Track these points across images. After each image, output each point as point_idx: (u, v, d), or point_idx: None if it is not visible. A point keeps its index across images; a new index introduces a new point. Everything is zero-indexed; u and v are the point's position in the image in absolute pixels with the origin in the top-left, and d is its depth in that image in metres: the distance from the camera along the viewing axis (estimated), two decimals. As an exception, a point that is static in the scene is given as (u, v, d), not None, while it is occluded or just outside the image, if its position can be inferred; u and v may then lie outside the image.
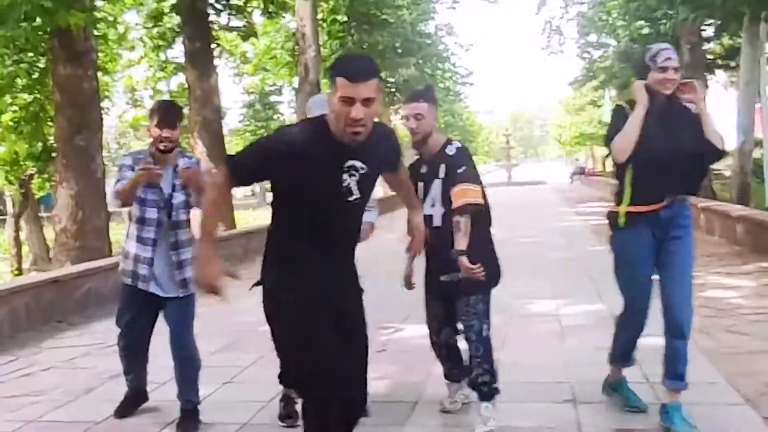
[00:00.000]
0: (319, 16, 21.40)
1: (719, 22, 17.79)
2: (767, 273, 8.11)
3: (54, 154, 13.53)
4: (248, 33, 15.07)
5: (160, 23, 15.30)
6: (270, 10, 15.22)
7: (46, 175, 14.89)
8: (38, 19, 9.59)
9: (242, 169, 2.63)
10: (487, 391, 3.65)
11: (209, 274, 2.55)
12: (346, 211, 2.67)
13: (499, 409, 3.67)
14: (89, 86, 10.47)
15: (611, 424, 3.78)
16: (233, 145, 28.47)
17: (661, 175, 3.51)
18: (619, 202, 3.68)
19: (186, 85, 15.38)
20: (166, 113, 3.90)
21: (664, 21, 19.95)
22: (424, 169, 3.74)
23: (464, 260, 3.46)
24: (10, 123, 11.95)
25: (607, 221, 3.83)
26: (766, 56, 14.42)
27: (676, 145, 3.48)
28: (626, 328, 3.84)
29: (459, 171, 3.58)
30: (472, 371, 3.70)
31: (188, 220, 3.96)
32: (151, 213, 3.82)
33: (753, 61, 14.65)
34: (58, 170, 10.79)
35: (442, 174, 3.65)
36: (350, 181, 2.58)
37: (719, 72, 27.15)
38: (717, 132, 3.54)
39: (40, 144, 13.04)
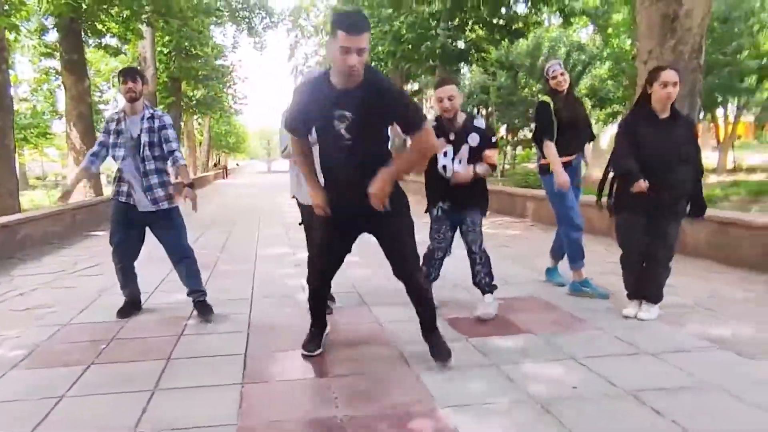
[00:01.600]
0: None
1: (415, 71, 19.30)
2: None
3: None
4: (116, 51, 12.92)
5: (44, 35, 12.54)
6: (126, 37, 13.18)
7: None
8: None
9: (290, 125, 2.50)
10: (491, 286, 3.47)
11: (314, 198, 2.55)
12: (344, 150, 2.38)
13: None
14: (2, 77, 8.30)
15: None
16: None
17: (571, 139, 3.82)
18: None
19: (61, 88, 12.81)
20: (129, 71, 3.52)
21: (384, 67, 20.87)
22: (452, 137, 3.34)
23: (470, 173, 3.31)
24: None
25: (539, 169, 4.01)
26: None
27: (575, 118, 3.83)
28: (575, 234, 3.87)
29: (492, 140, 3.38)
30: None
31: (154, 156, 3.50)
32: (122, 151, 3.48)
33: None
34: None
35: (473, 142, 3.31)
36: (341, 126, 2.34)
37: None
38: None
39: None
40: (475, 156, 3.34)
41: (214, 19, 23.67)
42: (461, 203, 3.40)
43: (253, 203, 13.72)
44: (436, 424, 2.10)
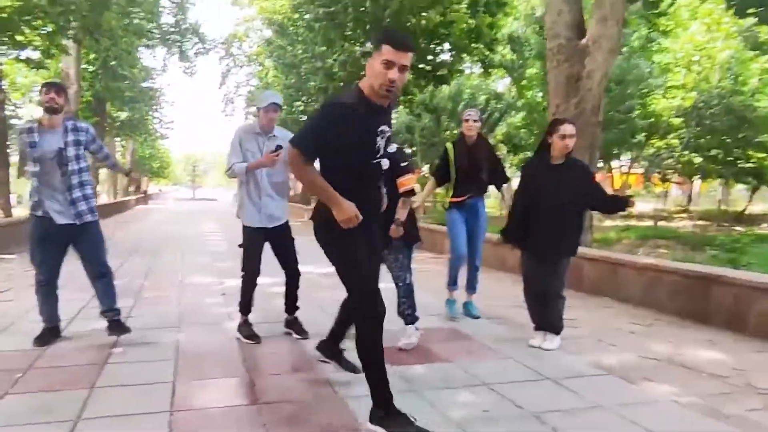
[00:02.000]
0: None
1: None
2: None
3: None
4: (38, 65, 12.24)
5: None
6: (49, 51, 12.57)
7: None
8: None
9: (310, 148, 2.24)
10: (412, 318, 3.63)
11: (346, 211, 2.22)
12: (377, 166, 2.37)
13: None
14: None
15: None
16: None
17: (466, 181, 4.31)
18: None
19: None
20: (53, 83, 3.56)
21: (315, 102, 21.31)
22: None
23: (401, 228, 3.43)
24: None
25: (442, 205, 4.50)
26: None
27: (473, 164, 4.26)
28: (453, 261, 4.43)
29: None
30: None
31: (80, 169, 3.50)
32: (37, 166, 3.41)
33: None
34: None
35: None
36: (380, 142, 2.32)
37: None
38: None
39: None
40: (389, 181, 3.24)
41: (145, 40, 23.17)
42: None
43: (177, 230, 13.35)
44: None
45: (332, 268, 2.41)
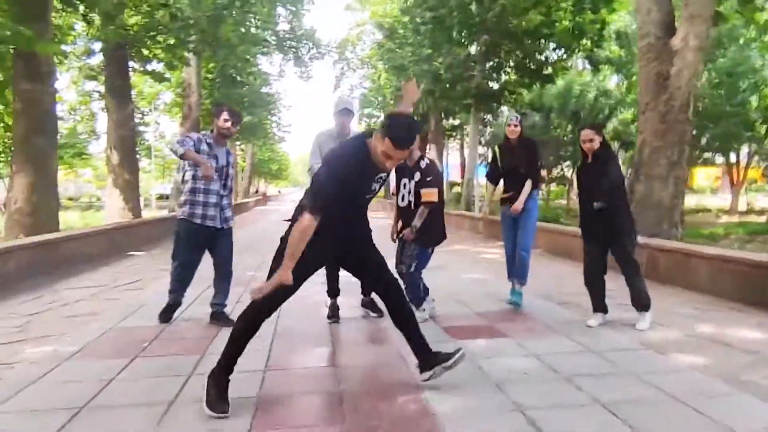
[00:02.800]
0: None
1: (456, 109, 20.84)
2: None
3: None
4: (161, 78, 14.23)
5: (90, 59, 13.93)
6: (172, 63, 14.49)
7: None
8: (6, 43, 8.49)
9: (323, 207, 2.48)
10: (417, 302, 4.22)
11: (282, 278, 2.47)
12: (364, 207, 2.92)
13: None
14: (49, 100, 9.35)
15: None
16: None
17: (511, 179, 4.81)
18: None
19: (103, 111, 14.18)
20: (233, 113, 4.15)
21: (423, 104, 22.17)
22: (406, 172, 4.21)
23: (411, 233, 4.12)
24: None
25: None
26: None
27: (514, 164, 4.76)
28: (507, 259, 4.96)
29: (427, 179, 4.12)
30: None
31: (231, 186, 4.26)
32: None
33: (475, 132, 17.33)
34: (13, 163, 9.49)
35: (416, 178, 4.14)
36: (375, 186, 2.72)
37: (451, 139, 30.75)
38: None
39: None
40: (417, 191, 4.15)
41: (260, 48, 25.42)
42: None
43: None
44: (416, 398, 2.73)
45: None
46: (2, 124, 10.47)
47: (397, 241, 4.34)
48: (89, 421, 2.49)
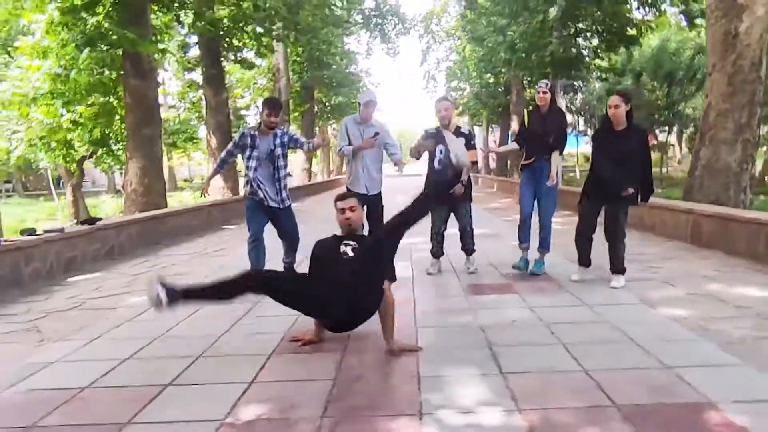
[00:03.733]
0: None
1: (532, 78, 20.44)
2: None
3: (112, 142, 14.00)
4: (250, 65, 15.67)
5: (187, 53, 15.64)
6: (260, 51, 15.82)
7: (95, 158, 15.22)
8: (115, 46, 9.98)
9: None
10: (471, 251, 5.24)
11: None
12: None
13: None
14: (153, 94, 10.91)
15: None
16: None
17: (534, 146, 4.95)
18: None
19: (203, 98, 15.85)
20: (272, 104, 4.78)
21: (503, 74, 22.06)
22: (442, 140, 4.72)
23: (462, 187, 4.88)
24: (91, 117, 12.10)
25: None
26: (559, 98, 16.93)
27: (541, 131, 4.87)
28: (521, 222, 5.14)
29: (472, 142, 4.86)
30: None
31: (286, 165, 4.89)
32: (254, 162, 4.75)
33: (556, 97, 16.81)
34: (128, 151, 11.15)
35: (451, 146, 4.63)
36: (346, 249, 3.20)
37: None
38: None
39: (110, 134, 13.22)
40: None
41: (345, 28, 26.39)
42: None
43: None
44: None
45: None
46: (118, 117, 12.15)
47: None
48: (164, 344, 3.43)
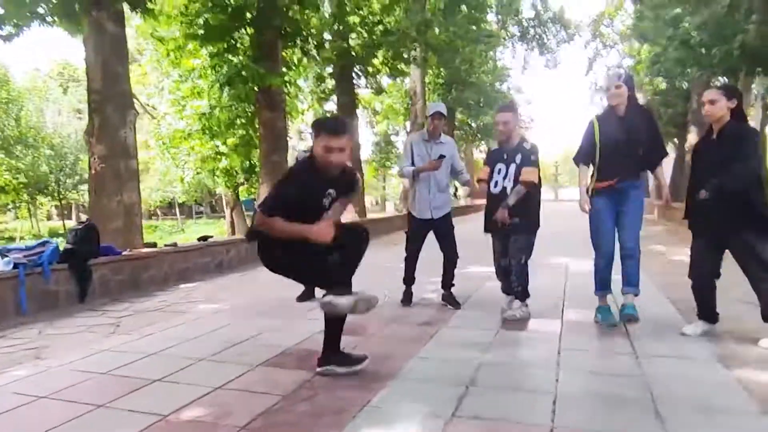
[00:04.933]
0: (427, 80, 22.83)
1: (721, 80, 17.55)
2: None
3: (257, 170, 15.89)
4: (378, 90, 16.68)
5: (322, 83, 17.07)
6: (393, 75, 16.68)
7: (248, 185, 17.27)
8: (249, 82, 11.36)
9: (274, 210, 2.86)
10: (521, 295, 4.40)
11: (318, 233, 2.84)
12: (319, 214, 3.04)
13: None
14: (282, 124, 12.17)
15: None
16: (364, 171, 29.84)
17: (611, 161, 4.02)
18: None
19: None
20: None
21: (679, 78, 19.88)
22: (505, 156, 4.30)
23: (506, 212, 4.19)
24: (232, 147, 13.90)
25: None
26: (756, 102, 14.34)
27: (619, 140, 3.97)
28: (595, 260, 4.22)
29: (531, 158, 4.22)
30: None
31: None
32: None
33: (746, 105, 14.42)
34: (261, 177, 12.56)
35: (518, 160, 4.22)
36: (326, 201, 3.06)
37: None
38: None
39: (247, 162, 14.99)
40: (517, 175, 4.23)
41: (492, 43, 26.27)
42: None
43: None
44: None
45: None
46: (255, 147, 13.82)
47: (490, 235, 4.52)
48: (190, 346, 3.98)
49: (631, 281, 4.10)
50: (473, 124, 30.12)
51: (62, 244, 5.95)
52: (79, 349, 3.94)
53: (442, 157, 4.64)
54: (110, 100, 7.54)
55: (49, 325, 4.77)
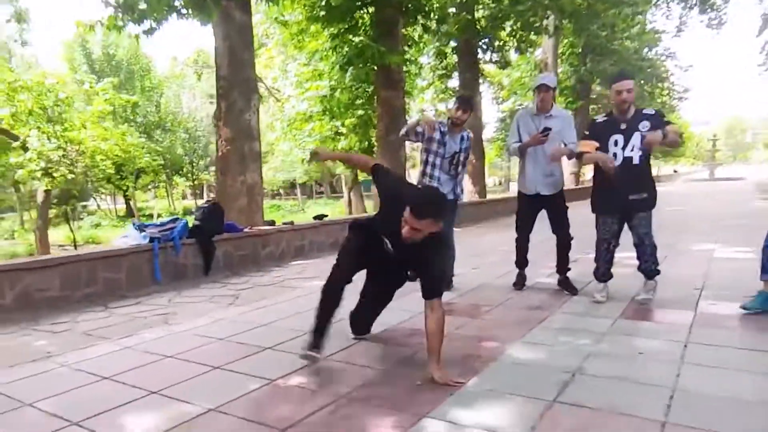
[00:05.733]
0: (560, 50, 21.84)
1: None
2: None
3: (374, 149, 16.35)
4: (504, 64, 16.27)
5: (444, 59, 17.04)
6: (521, 47, 16.18)
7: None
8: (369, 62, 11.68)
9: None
10: (653, 273, 4.34)
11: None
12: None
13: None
14: (400, 103, 12.40)
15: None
16: (489, 150, 29.40)
17: None
18: None
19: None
20: (462, 101, 4.80)
21: None
22: (623, 126, 4.16)
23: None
24: (351, 127, 14.44)
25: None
26: None
27: None
28: None
29: (664, 119, 4.10)
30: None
31: (463, 169, 5.02)
32: (438, 159, 4.91)
33: None
34: (378, 156, 12.93)
35: (644, 129, 4.07)
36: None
37: None
38: None
39: (366, 142, 15.47)
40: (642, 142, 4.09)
41: (642, 5, 24.27)
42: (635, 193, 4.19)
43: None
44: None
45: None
46: (373, 127, 14.23)
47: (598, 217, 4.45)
48: (297, 319, 4.31)
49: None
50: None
51: (191, 221, 6.64)
52: (202, 316, 4.46)
53: (547, 130, 4.55)
54: (236, 85, 8.21)
55: (178, 295, 5.42)
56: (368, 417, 2.50)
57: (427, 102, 21.86)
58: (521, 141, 4.82)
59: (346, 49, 11.77)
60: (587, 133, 4.42)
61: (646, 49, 27.78)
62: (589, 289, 4.82)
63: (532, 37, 15.82)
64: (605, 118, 4.37)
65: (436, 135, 4.85)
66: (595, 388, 2.72)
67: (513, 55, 19.41)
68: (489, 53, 16.09)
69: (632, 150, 4.14)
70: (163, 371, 3.19)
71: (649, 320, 3.94)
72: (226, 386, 2.91)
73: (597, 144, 4.25)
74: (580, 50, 23.33)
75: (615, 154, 4.17)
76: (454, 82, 18.92)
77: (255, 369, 3.15)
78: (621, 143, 4.17)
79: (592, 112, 26.07)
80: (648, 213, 4.26)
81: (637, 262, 4.40)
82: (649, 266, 4.33)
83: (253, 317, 4.41)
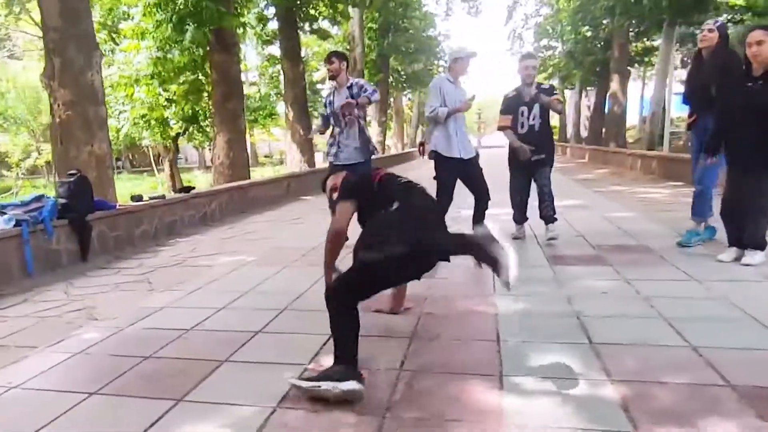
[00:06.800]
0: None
1: (641, 28, 18.62)
2: (675, 187, 9.35)
3: (200, 119, 14.97)
4: (324, 35, 16.05)
5: (264, 26, 16.20)
6: (335, 17, 16.11)
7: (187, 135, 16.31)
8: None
9: None
10: (552, 219, 5.06)
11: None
12: None
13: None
14: (236, 68, 11.52)
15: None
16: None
17: (698, 99, 4.52)
18: None
19: (281, 72, 16.43)
20: (329, 55, 5.15)
21: (604, 27, 20.80)
22: (527, 99, 4.91)
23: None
24: (183, 93, 12.97)
25: None
26: (674, 51, 15.28)
27: (703, 80, 4.34)
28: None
29: (555, 93, 4.95)
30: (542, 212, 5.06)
31: (364, 116, 5.29)
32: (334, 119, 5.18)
33: (667, 54, 15.37)
34: (214, 126, 11.90)
35: (543, 99, 4.86)
36: None
37: (636, 66, 27.77)
38: None
39: (189, 110, 14.07)
40: (547, 112, 4.95)
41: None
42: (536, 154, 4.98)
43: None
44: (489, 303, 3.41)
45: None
46: (206, 94, 12.99)
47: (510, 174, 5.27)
48: (253, 298, 3.84)
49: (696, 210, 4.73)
50: (403, 72, 29.85)
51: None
52: (130, 308, 3.69)
53: (474, 96, 4.96)
54: (72, 39, 6.75)
55: (70, 286, 4.42)
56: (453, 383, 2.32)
57: (252, 70, 20.62)
58: (445, 105, 4.76)
59: (177, 5, 10.36)
60: (503, 107, 5.12)
61: (430, 30, 29.79)
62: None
63: (341, 6, 15.69)
64: (514, 93, 5.04)
65: (327, 102, 5.22)
66: (615, 328, 2.83)
67: (336, 30, 19.24)
68: (307, 23, 15.68)
69: (533, 119, 4.91)
70: (175, 373, 2.57)
71: (576, 264, 4.29)
72: (266, 380, 2.45)
73: (511, 116, 5.03)
74: (377, 26, 24.10)
75: (522, 123, 4.93)
76: (276, 50, 18.07)
77: (272, 355, 2.72)
78: (526, 114, 4.89)
79: (391, 86, 27.28)
80: (547, 168, 5.04)
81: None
82: (548, 212, 5.03)
83: (195, 302, 3.80)
